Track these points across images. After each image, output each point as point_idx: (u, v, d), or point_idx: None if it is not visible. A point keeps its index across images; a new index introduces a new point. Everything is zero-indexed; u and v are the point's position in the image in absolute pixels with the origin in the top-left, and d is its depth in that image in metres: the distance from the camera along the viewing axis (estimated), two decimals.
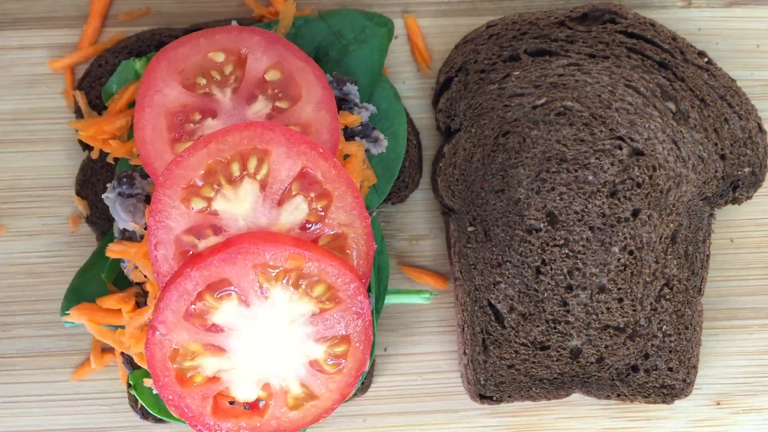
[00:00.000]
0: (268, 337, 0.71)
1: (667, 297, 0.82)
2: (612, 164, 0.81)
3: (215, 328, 0.70)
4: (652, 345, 0.81)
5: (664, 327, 0.82)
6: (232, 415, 0.72)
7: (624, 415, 0.86)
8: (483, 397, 0.82)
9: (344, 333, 0.71)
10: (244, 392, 0.72)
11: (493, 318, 0.82)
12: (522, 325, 0.82)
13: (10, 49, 0.86)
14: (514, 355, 0.82)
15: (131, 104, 0.79)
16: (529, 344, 0.82)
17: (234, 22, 0.80)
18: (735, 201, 0.84)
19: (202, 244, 0.70)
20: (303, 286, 0.70)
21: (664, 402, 0.82)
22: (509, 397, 0.82)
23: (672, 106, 0.83)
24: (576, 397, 0.84)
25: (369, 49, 0.82)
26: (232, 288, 0.70)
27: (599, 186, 0.81)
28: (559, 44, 0.84)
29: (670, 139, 0.82)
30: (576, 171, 0.81)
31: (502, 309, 0.82)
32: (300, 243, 0.69)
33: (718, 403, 0.86)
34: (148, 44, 0.83)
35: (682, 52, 0.83)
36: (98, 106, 0.82)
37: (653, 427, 0.86)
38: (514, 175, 0.82)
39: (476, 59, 0.84)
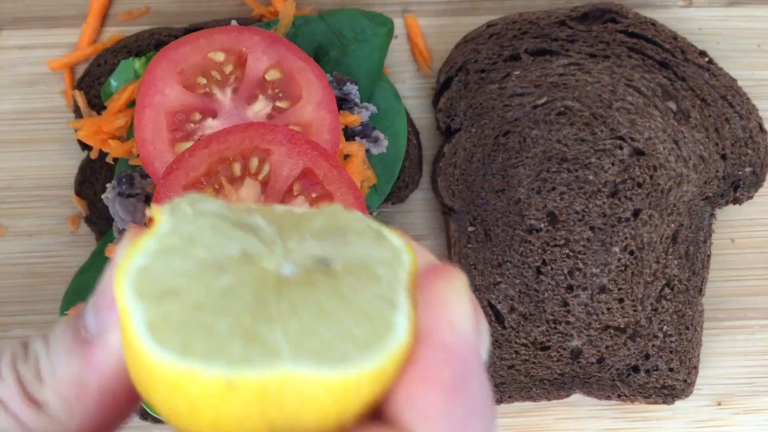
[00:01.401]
0: None
1: (668, 297, 0.82)
2: (613, 164, 0.82)
3: None
4: (653, 345, 0.82)
5: (665, 327, 0.82)
6: None
7: (625, 415, 0.86)
8: None
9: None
10: None
11: (493, 318, 0.82)
12: (522, 326, 0.82)
13: (10, 49, 0.86)
14: (514, 356, 0.82)
15: (130, 104, 0.79)
16: (530, 345, 0.82)
17: (234, 22, 0.80)
18: (736, 201, 0.84)
19: None
20: None
21: (665, 402, 0.82)
22: (509, 397, 0.82)
23: (673, 105, 0.83)
24: (576, 397, 0.84)
25: (369, 49, 0.83)
26: None
27: (600, 186, 0.82)
28: (559, 44, 0.84)
29: (671, 138, 0.82)
30: (577, 171, 0.82)
31: (503, 309, 0.82)
32: None
33: (720, 404, 0.87)
34: (148, 44, 0.84)
35: (683, 51, 0.84)
36: (98, 105, 0.83)
37: (654, 428, 0.86)
38: (514, 174, 0.82)
39: (476, 59, 0.84)
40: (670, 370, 0.82)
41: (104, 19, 0.87)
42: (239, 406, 0.26)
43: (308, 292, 0.28)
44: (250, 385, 0.26)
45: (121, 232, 0.76)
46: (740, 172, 0.83)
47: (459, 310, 0.28)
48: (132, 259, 0.27)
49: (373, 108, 0.81)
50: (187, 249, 0.28)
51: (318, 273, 0.28)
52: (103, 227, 0.83)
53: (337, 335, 0.27)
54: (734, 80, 0.84)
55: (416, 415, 0.26)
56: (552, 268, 0.82)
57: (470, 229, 0.83)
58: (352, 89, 0.79)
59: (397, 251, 0.30)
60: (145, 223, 0.74)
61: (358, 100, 0.80)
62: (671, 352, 0.82)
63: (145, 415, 0.81)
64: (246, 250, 0.29)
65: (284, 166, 0.72)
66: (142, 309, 0.26)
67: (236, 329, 0.26)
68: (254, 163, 0.72)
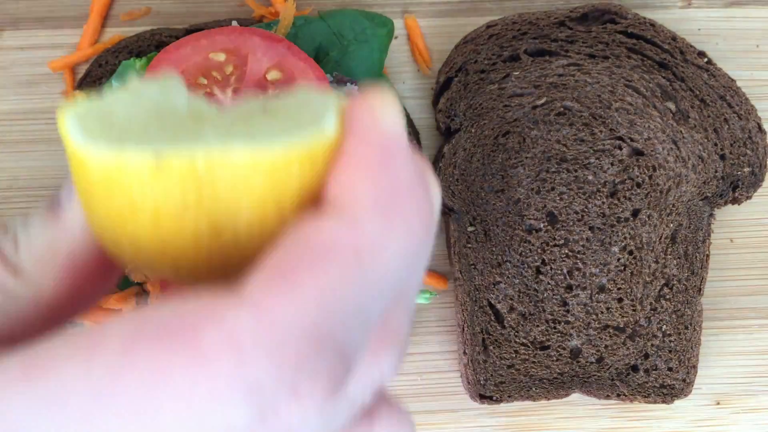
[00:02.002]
0: None
1: (667, 297, 0.82)
2: (612, 164, 0.82)
3: None
4: (652, 345, 0.82)
5: (664, 327, 0.82)
6: None
7: (624, 414, 0.87)
8: (483, 397, 0.83)
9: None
10: None
11: (492, 318, 0.83)
12: (522, 325, 0.82)
13: (11, 49, 0.87)
14: (514, 355, 0.82)
15: None
16: (529, 344, 0.82)
17: (235, 23, 0.81)
18: (735, 201, 0.85)
19: None
20: None
21: (664, 402, 0.83)
22: (509, 396, 0.83)
23: (672, 106, 0.84)
24: (576, 397, 0.85)
25: (369, 50, 0.83)
26: None
27: (599, 186, 0.82)
28: (559, 44, 0.84)
29: (670, 139, 0.83)
30: (576, 171, 0.82)
31: (502, 309, 0.82)
32: None
33: (718, 403, 0.87)
34: (149, 44, 0.84)
35: (682, 52, 0.84)
36: None
37: (653, 427, 0.86)
38: (514, 175, 0.82)
39: (476, 59, 0.85)
40: (669, 369, 0.82)
41: (105, 19, 0.87)
42: (174, 192, 0.27)
43: (242, 114, 0.30)
44: (179, 163, 0.26)
45: None
46: (739, 173, 0.84)
47: (383, 109, 0.28)
48: (80, 101, 0.29)
49: None
50: (135, 98, 0.29)
51: (256, 111, 0.30)
52: None
53: (265, 127, 0.28)
54: (733, 81, 0.84)
55: (341, 189, 0.27)
56: (551, 268, 0.82)
57: (470, 229, 0.83)
58: (352, 90, 0.80)
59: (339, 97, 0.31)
60: None
61: None
62: (670, 351, 0.82)
63: None
64: (195, 107, 0.31)
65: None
66: (79, 123, 0.28)
67: (167, 128, 0.28)
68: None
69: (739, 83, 0.85)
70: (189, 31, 0.84)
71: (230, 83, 0.76)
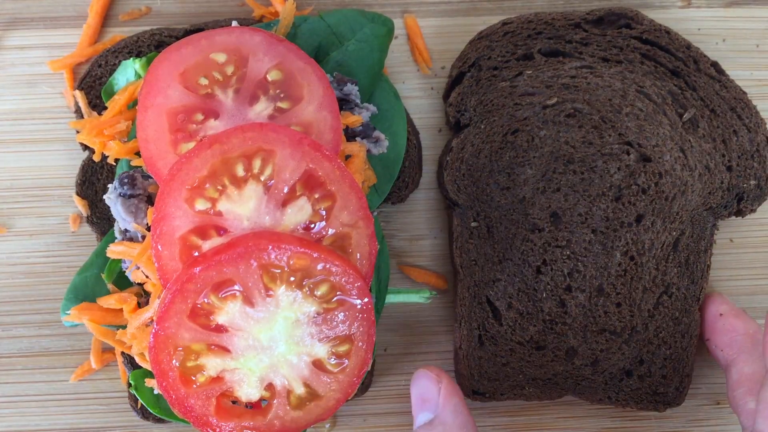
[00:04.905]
0: (272, 336, 0.72)
1: (666, 304, 0.83)
2: (618, 169, 0.82)
3: (219, 328, 0.71)
4: (647, 351, 0.83)
5: (661, 334, 0.83)
6: (235, 414, 0.73)
7: (624, 414, 0.87)
8: (475, 393, 0.83)
9: (347, 333, 0.72)
10: (248, 392, 0.73)
11: (490, 314, 0.83)
12: (519, 324, 0.83)
13: (10, 49, 0.87)
14: (509, 353, 0.83)
15: (131, 104, 0.80)
16: (525, 343, 0.83)
17: (235, 23, 0.81)
18: (739, 213, 0.86)
19: (207, 245, 0.71)
20: (307, 286, 0.71)
21: (655, 410, 0.84)
22: (502, 394, 0.84)
23: (682, 114, 0.84)
24: (572, 397, 0.85)
25: (369, 49, 0.83)
26: (237, 288, 0.70)
27: (605, 189, 0.82)
28: (573, 46, 0.85)
29: (678, 147, 0.83)
30: (582, 173, 0.82)
31: (501, 306, 0.83)
32: (304, 243, 0.70)
33: (718, 403, 0.88)
34: (148, 44, 0.84)
35: (696, 61, 0.84)
36: (98, 106, 0.83)
37: (653, 427, 0.87)
38: (520, 173, 0.83)
39: (490, 56, 0.85)
40: (663, 377, 0.83)
41: (105, 19, 0.87)
42: None
43: None
44: None
45: (123, 232, 0.77)
46: (745, 185, 0.84)
47: None
48: None
49: (373, 108, 0.81)
50: None
51: None
52: (104, 227, 0.84)
53: None
54: (744, 93, 0.85)
55: None
56: (552, 269, 0.82)
57: (473, 224, 0.83)
58: (352, 90, 0.80)
59: None
60: (147, 224, 0.75)
61: (358, 101, 0.80)
62: (665, 359, 0.83)
63: (146, 415, 0.82)
64: None
65: (287, 167, 0.73)
66: None
67: None
68: (257, 164, 0.72)
69: (738, 83, 0.86)
70: (189, 31, 0.84)
71: (231, 83, 0.76)
